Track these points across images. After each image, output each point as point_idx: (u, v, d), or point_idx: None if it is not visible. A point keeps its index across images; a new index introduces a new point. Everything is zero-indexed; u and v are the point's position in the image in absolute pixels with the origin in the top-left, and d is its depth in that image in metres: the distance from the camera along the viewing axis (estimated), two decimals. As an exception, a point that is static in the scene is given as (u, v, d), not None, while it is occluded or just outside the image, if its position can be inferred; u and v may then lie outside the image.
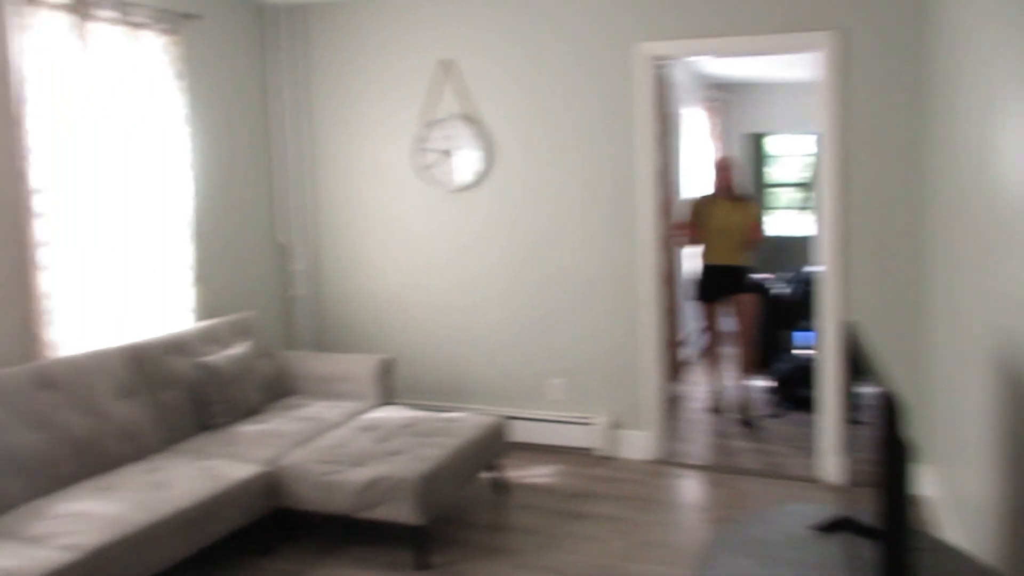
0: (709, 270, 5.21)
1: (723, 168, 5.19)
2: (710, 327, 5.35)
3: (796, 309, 5.96)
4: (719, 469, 4.29)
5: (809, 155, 9.05)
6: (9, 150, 3.31)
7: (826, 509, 2.53)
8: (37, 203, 3.40)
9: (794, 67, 7.59)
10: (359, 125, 4.91)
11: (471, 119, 4.62)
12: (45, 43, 3.42)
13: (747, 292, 5.24)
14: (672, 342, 5.60)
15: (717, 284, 5.20)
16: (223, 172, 4.53)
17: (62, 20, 3.50)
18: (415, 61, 4.72)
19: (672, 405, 5.33)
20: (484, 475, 3.88)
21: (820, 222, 4.10)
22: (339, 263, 5.05)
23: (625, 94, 4.33)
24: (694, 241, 5.25)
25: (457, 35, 4.62)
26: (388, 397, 4.27)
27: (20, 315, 3.36)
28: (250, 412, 3.90)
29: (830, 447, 4.11)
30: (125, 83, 3.79)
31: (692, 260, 5.50)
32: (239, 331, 4.21)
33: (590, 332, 4.52)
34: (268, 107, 4.94)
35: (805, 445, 4.62)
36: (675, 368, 5.79)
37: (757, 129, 8.87)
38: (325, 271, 5.09)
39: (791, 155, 9.34)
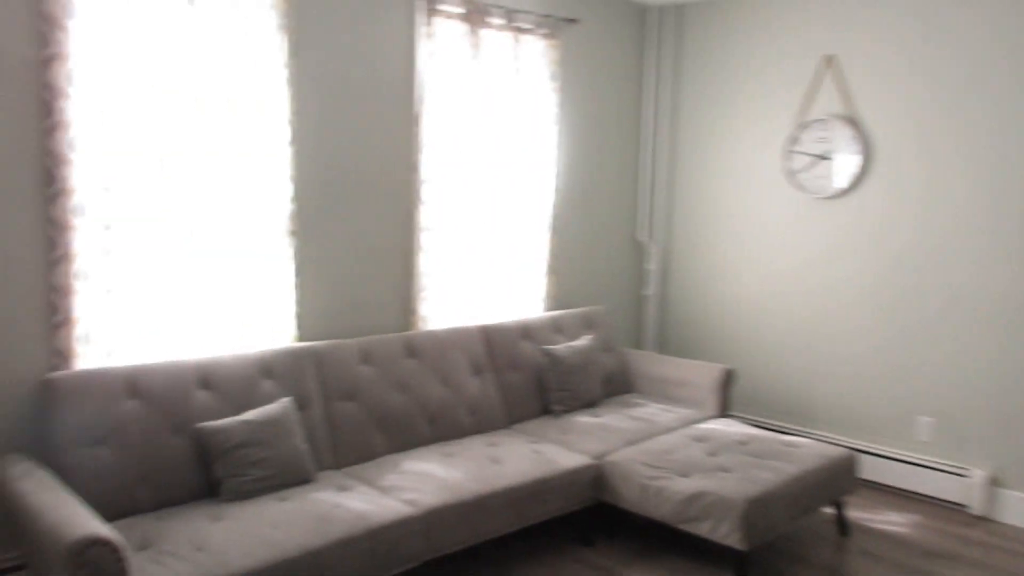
0: None
1: None
2: None
3: None
4: None
5: None
6: (408, 144, 3.76)
7: None
8: (424, 192, 3.82)
9: None
10: (725, 126, 4.74)
11: (850, 120, 4.20)
12: (443, 49, 3.81)
13: None
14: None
15: None
16: (588, 169, 4.69)
17: (458, 28, 3.87)
18: (792, 58, 4.41)
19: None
20: (826, 510, 3.51)
21: None
22: (690, 265, 4.95)
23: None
24: None
25: (843, 28, 4.21)
26: (725, 409, 4.08)
27: (403, 291, 3.81)
28: (588, 404, 3.99)
29: None
30: (505, 84, 4.09)
31: None
32: (586, 324, 4.33)
33: (977, 366, 3.85)
34: (640, 107, 4.99)
35: None
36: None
37: None
38: (675, 272, 5.03)
39: None
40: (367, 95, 3.60)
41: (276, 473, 2.73)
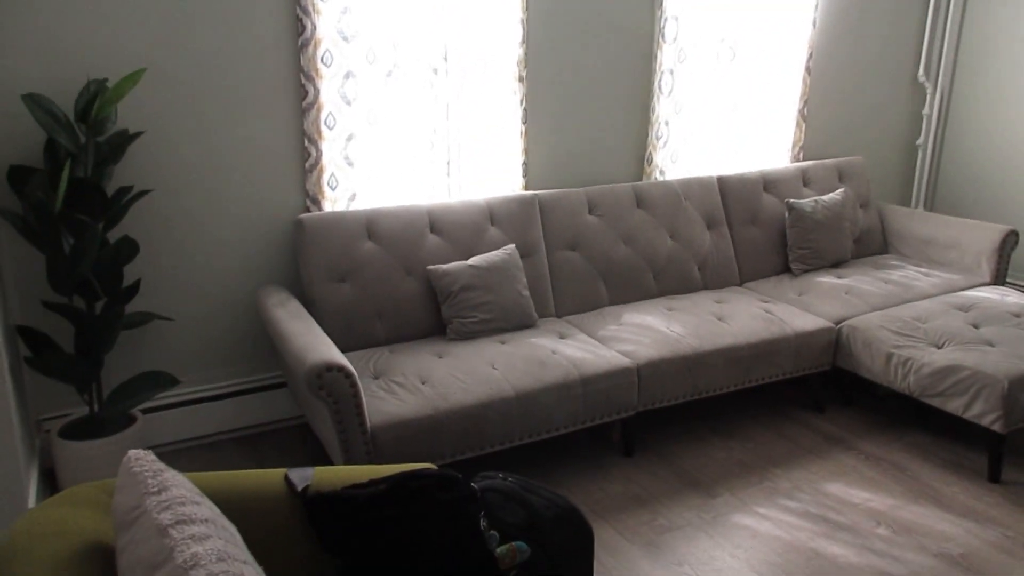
0: None
1: None
2: None
3: None
4: None
5: None
6: None
7: None
8: (669, 30, 3.53)
9: None
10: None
11: None
12: None
13: None
14: None
15: None
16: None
17: None
18: None
19: None
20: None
21: None
22: (974, 111, 4.24)
23: None
24: None
25: None
26: (1001, 277, 3.56)
27: (638, 138, 3.65)
28: (834, 263, 3.67)
29: None
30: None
31: None
32: (840, 176, 3.92)
33: None
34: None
35: None
36: None
37: None
38: (956, 119, 4.34)
39: None
40: (600, -75, 3.34)
41: (498, 316, 2.84)
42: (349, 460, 2.27)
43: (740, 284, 3.57)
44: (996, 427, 2.63)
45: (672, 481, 2.70)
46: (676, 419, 3.10)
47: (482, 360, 2.61)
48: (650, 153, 3.65)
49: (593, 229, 3.28)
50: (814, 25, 3.87)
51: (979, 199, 4.24)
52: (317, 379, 2.17)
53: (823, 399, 3.22)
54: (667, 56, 3.54)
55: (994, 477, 2.72)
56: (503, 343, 2.77)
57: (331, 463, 2.46)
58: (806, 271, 3.61)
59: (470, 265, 2.86)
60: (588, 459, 2.82)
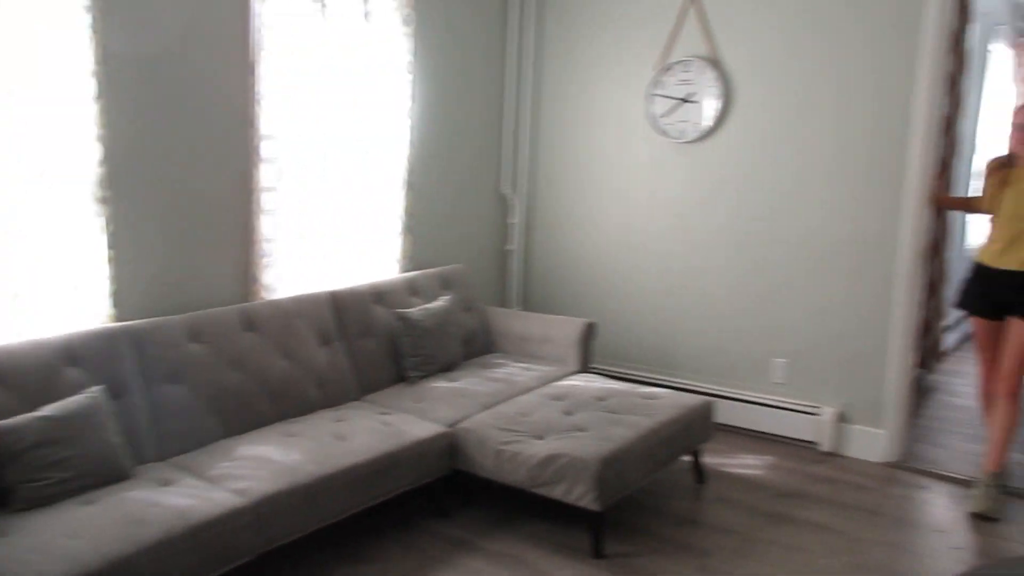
0: (993, 275, 3.43)
1: None
2: (986, 354, 3.59)
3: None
4: (973, 484, 3.55)
5: None
6: (243, 97, 3.38)
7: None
8: (266, 149, 3.50)
9: None
10: (588, 71, 4.61)
11: (712, 61, 4.13)
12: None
13: None
14: (930, 325, 4.79)
15: (1001, 297, 3.41)
16: (447, 120, 4.45)
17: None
18: (655, -2, 4.30)
19: (921, 398, 4.58)
20: (686, 459, 3.53)
21: None
22: (553, 217, 4.84)
23: (907, 24, 3.62)
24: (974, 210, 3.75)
25: (692, -33, 4.13)
26: (586, 363, 4.02)
27: (241, 259, 3.50)
28: (446, 367, 3.84)
29: None
30: (353, 30, 3.78)
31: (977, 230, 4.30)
32: (444, 284, 4.17)
33: (825, 307, 3.94)
34: (504, 53, 4.76)
35: (1097, 469, 3.74)
36: (932, 355, 4.97)
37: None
38: (538, 225, 4.91)
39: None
40: (191, 41, 3.20)
41: (82, 473, 2.46)
42: None
43: (359, 398, 3.56)
44: (593, 506, 2.90)
45: (301, 623, 2.52)
46: (304, 554, 2.93)
47: (58, 530, 2.21)
48: (255, 272, 3.53)
49: (197, 358, 3.04)
50: (411, 145, 4.13)
51: (563, 296, 4.81)
52: None
53: (447, 503, 3.29)
54: (265, 174, 3.49)
55: (598, 553, 2.98)
56: (89, 503, 2.39)
57: None
58: (422, 377, 3.73)
59: (40, 417, 2.45)
60: (205, 618, 2.52)
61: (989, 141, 6.16)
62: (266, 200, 3.53)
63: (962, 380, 5.10)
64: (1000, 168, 3.41)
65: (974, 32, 5.01)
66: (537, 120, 4.83)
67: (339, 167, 3.82)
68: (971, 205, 3.71)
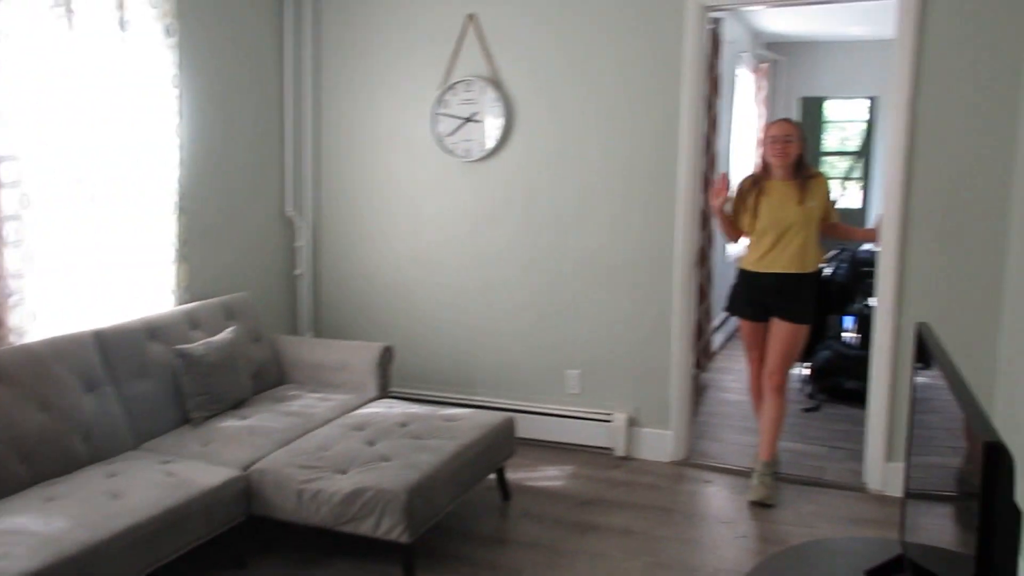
0: (756, 279, 3.72)
1: (783, 137, 3.64)
2: (754, 354, 3.87)
3: (843, 291, 5.47)
4: (749, 474, 3.85)
5: (860, 121, 8.46)
6: None
7: (878, 543, 2.13)
8: (5, 172, 3.06)
9: (853, 24, 7.00)
10: (372, 90, 4.51)
11: (493, 81, 4.19)
12: (7, -3, 3.04)
13: (800, 319, 3.67)
14: (702, 328, 5.18)
15: (764, 300, 3.71)
16: (224, 138, 4.16)
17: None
18: (437, 17, 4.28)
19: (699, 396, 4.93)
20: (490, 477, 3.52)
21: (885, 196, 3.61)
22: (341, 239, 4.69)
23: (670, 51, 3.86)
24: (732, 236, 3.89)
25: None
26: (386, 389, 3.92)
27: (-20, 297, 3.05)
28: (235, 404, 3.58)
29: (879, 453, 3.67)
30: (107, 41, 3.42)
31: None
32: (228, 314, 3.88)
33: (613, 318, 4.12)
34: (282, 68, 4.53)
35: (848, 446, 4.21)
36: (705, 355, 5.37)
37: (809, 93, 8.26)
38: (326, 248, 4.73)
39: (841, 121, 8.75)
40: None
41: None
42: None
43: (136, 447, 3.21)
44: (403, 538, 2.81)
45: None
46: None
47: None
48: (2, 315, 3.08)
49: (-72, 420, 2.59)
50: (181, 165, 3.81)
51: (358, 321, 4.66)
52: None
53: (244, 553, 3.05)
54: (7, 201, 3.06)
55: (410, 586, 2.89)
56: None
57: None
58: (208, 418, 3.44)
59: None
60: None
61: (738, 156, 6.81)
62: (9, 230, 3.10)
63: (732, 376, 5.57)
64: (754, 184, 3.73)
65: (723, 59, 5.50)
66: (319, 138, 4.66)
67: (99, 191, 3.44)
68: (734, 224, 3.82)
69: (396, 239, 4.55)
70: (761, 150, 3.78)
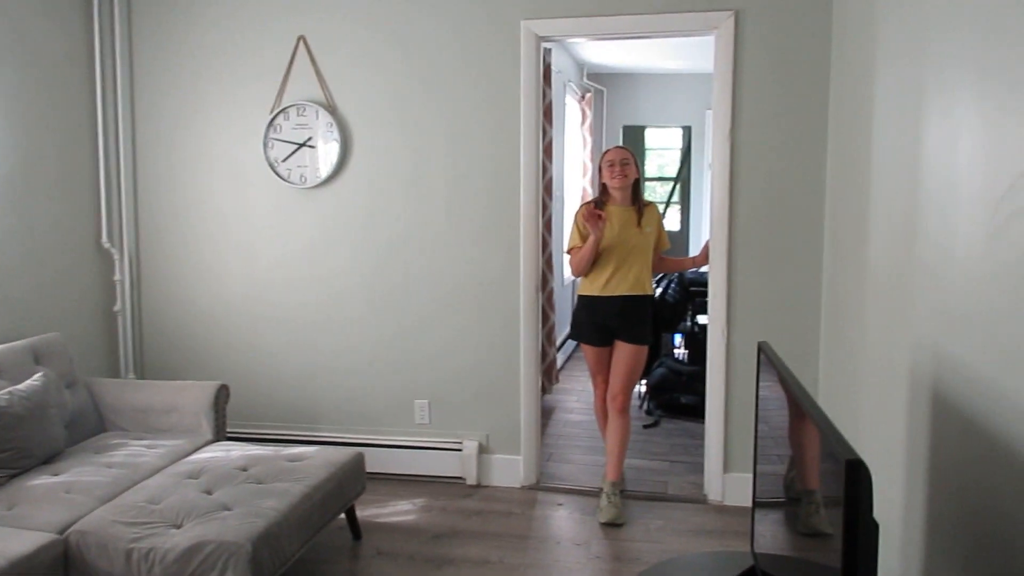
0: (600, 304, 3.79)
1: (621, 160, 3.76)
2: (600, 378, 3.94)
3: (674, 311, 5.74)
4: (598, 493, 3.93)
5: (675, 149, 8.99)
6: None
7: (731, 556, 2.20)
8: None
9: (668, 59, 7.45)
10: (197, 115, 4.25)
11: (327, 105, 4.06)
12: None
13: (642, 340, 3.80)
14: (546, 351, 5.26)
15: (608, 324, 3.79)
16: (29, 164, 3.76)
17: None
18: (266, 36, 4.10)
19: (545, 419, 4.99)
20: (340, 516, 3.36)
21: (711, 222, 3.82)
22: (166, 272, 4.36)
23: (507, 79, 3.90)
24: (589, 267, 3.79)
25: (310, 6, 4.03)
26: (222, 431, 3.66)
27: None
28: (48, 458, 3.21)
29: (718, 465, 3.85)
30: None
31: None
32: (38, 358, 3.49)
33: (459, 346, 4.09)
34: (94, 89, 4.14)
35: (687, 459, 4.40)
36: (549, 377, 5.45)
37: (630, 122, 8.68)
38: (148, 282, 4.39)
39: (659, 148, 9.26)
40: None
41: None
42: None
43: (-75, 517, 2.79)
44: (249, 593, 2.60)
45: None
46: None
47: None
48: None
49: None
50: (-28, 194, 3.40)
51: (187, 359, 4.34)
52: None
53: (63, 627, 2.72)
54: None
55: (258, 643, 2.68)
56: None
57: None
58: (14, 476, 3.05)
59: None
60: None
61: (570, 182, 7.03)
62: None
63: (574, 397, 5.69)
64: (595, 209, 3.82)
65: (553, 88, 5.66)
66: (135, 164, 4.32)
67: None
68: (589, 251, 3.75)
69: (229, 270, 4.28)
70: (599, 176, 3.89)
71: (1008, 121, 1.61)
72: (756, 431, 2.33)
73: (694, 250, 7.89)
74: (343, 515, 3.42)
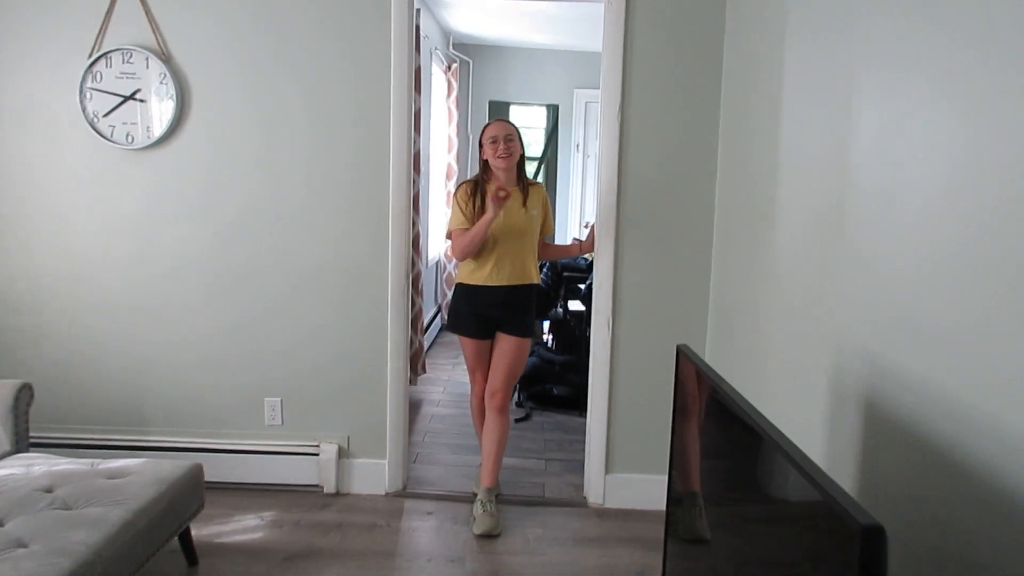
0: (482, 294, 3.44)
1: (505, 136, 3.39)
2: (479, 373, 3.60)
3: (546, 297, 5.49)
4: (471, 499, 3.59)
5: (540, 128, 8.76)
6: None
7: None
8: None
9: (537, 32, 7.14)
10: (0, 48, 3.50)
11: (159, 53, 3.45)
12: None
13: (526, 332, 3.49)
14: (412, 340, 4.85)
15: (490, 315, 3.45)
16: None
17: None
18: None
19: (412, 413, 4.60)
20: (175, 538, 2.84)
21: (598, 206, 3.53)
22: (-45, 244, 3.60)
23: (372, 37, 3.44)
24: (465, 253, 3.41)
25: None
26: (24, 440, 3.03)
27: None
28: None
29: (599, 465, 3.61)
30: None
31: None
32: None
33: (317, 337, 3.61)
34: None
35: (563, 456, 4.16)
36: (415, 369, 5.06)
37: (496, 97, 8.33)
38: (-67, 255, 3.61)
39: (525, 127, 8.99)
40: None
41: None
42: None
43: None
44: (50, 655, 2.07)
45: None
46: None
47: None
48: None
49: None
50: None
51: (-21, 352, 3.62)
52: None
53: None
54: None
55: None
56: None
57: None
58: None
59: None
60: None
61: (435, 158, 6.62)
62: None
63: (440, 388, 5.32)
64: (476, 190, 3.45)
65: (422, 54, 5.22)
66: (-80, 113, 3.53)
67: None
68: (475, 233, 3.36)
69: (38, 245, 3.59)
70: (480, 153, 3.51)
71: (991, 100, 1.38)
72: (673, 433, 2.07)
73: (561, 235, 7.70)
74: (180, 535, 2.90)
